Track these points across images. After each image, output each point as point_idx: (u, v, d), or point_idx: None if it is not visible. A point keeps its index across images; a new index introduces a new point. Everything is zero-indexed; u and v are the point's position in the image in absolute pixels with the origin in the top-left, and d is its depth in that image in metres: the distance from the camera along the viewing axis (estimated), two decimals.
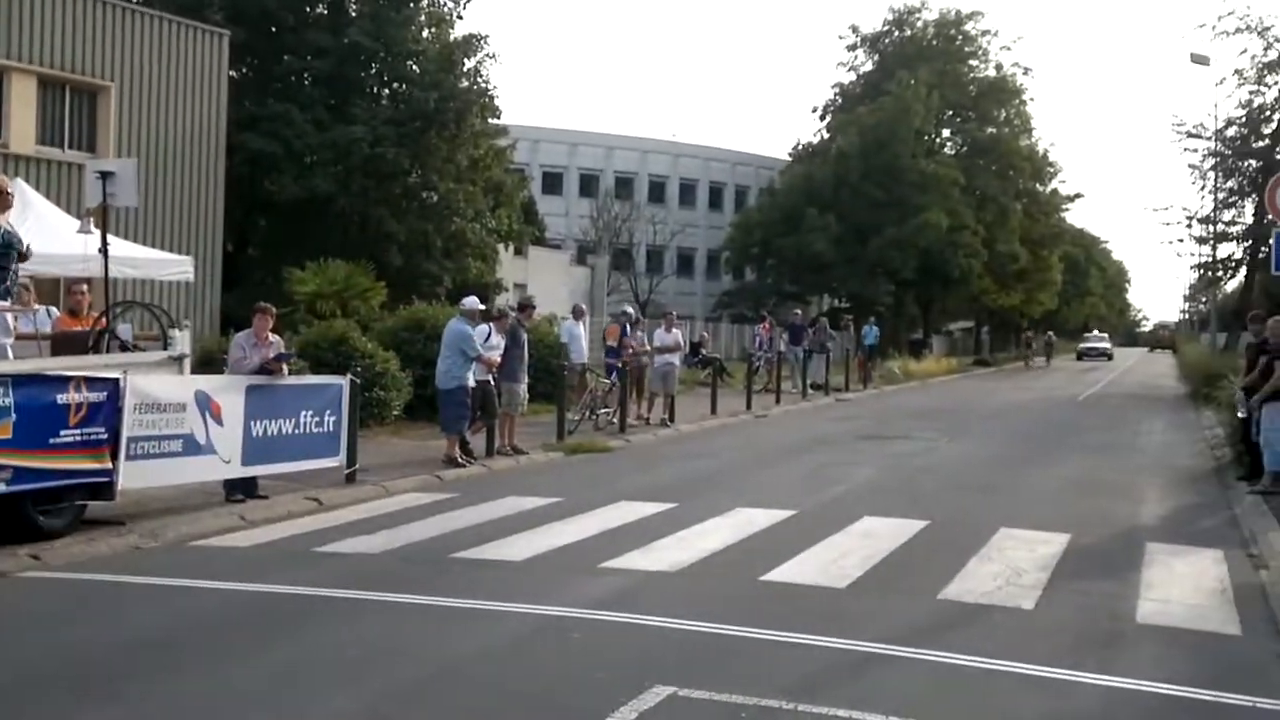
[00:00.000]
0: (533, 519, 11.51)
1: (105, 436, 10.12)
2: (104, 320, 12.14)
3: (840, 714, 5.81)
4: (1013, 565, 9.54)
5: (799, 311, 37.13)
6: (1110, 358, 71.45)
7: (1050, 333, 74.18)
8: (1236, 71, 44.62)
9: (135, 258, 15.65)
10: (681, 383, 24.06)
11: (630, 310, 23.21)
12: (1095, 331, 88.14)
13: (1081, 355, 72.94)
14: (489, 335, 15.86)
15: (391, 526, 11.01)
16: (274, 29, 31.09)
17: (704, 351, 34.56)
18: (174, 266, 17.01)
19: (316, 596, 8.26)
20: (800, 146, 64.48)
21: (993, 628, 7.67)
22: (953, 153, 63.63)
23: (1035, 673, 6.63)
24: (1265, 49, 42.86)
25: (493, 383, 16.02)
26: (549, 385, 19.86)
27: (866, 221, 53.50)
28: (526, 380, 17.11)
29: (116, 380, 10.29)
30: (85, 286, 13.38)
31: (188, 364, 12.21)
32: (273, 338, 12.58)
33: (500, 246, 36.30)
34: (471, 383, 15.28)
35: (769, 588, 8.72)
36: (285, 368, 12.62)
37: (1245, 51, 56.88)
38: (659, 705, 5.89)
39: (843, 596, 8.49)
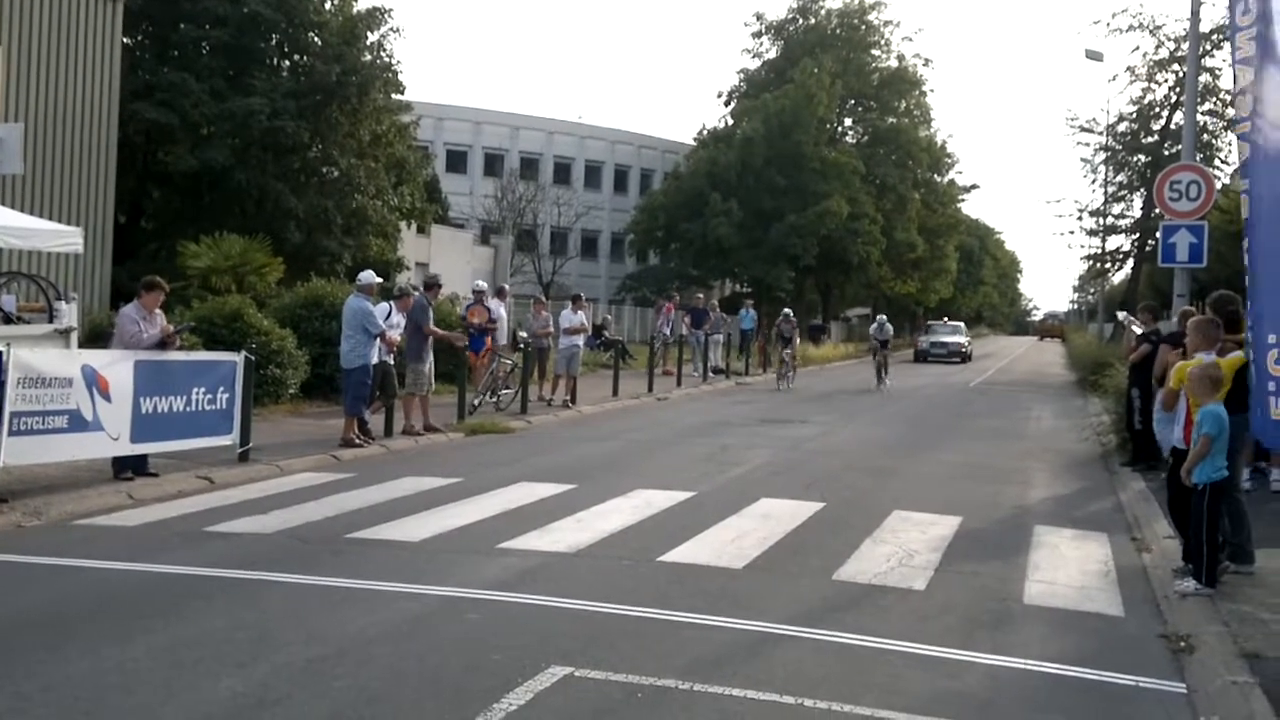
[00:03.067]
0: (431, 499, 11.42)
1: None
2: None
3: (735, 693, 5.87)
4: (905, 547, 9.71)
5: (701, 295, 37.26)
6: (966, 358, 50.46)
7: (881, 316, 37.46)
8: (1129, 68, 46.19)
9: (20, 227, 15.10)
10: (584, 365, 24.05)
11: (481, 284, 22.44)
12: (945, 320, 61.78)
13: (923, 355, 50.19)
14: (390, 313, 15.66)
15: (285, 506, 10.85)
16: None
17: (606, 334, 34.59)
18: (62, 237, 16.43)
19: (207, 576, 8.10)
20: (705, 131, 64.74)
21: (885, 608, 7.80)
22: (854, 142, 64.55)
23: (926, 652, 6.75)
24: (1156, 47, 44.31)
25: (392, 362, 15.85)
26: (450, 365, 19.70)
27: (769, 207, 53.98)
28: (431, 360, 16.92)
29: None
30: None
31: (75, 338, 11.91)
32: (158, 311, 12.23)
33: (402, 224, 35.86)
34: (375, 360, 15.08)
35: (667, 568, 8.76)
36: (178, 341, 12.33)
37: (1138, 49, 58.85)
38: (555, 685, 5.89)
39: (739, 577, 8.56)
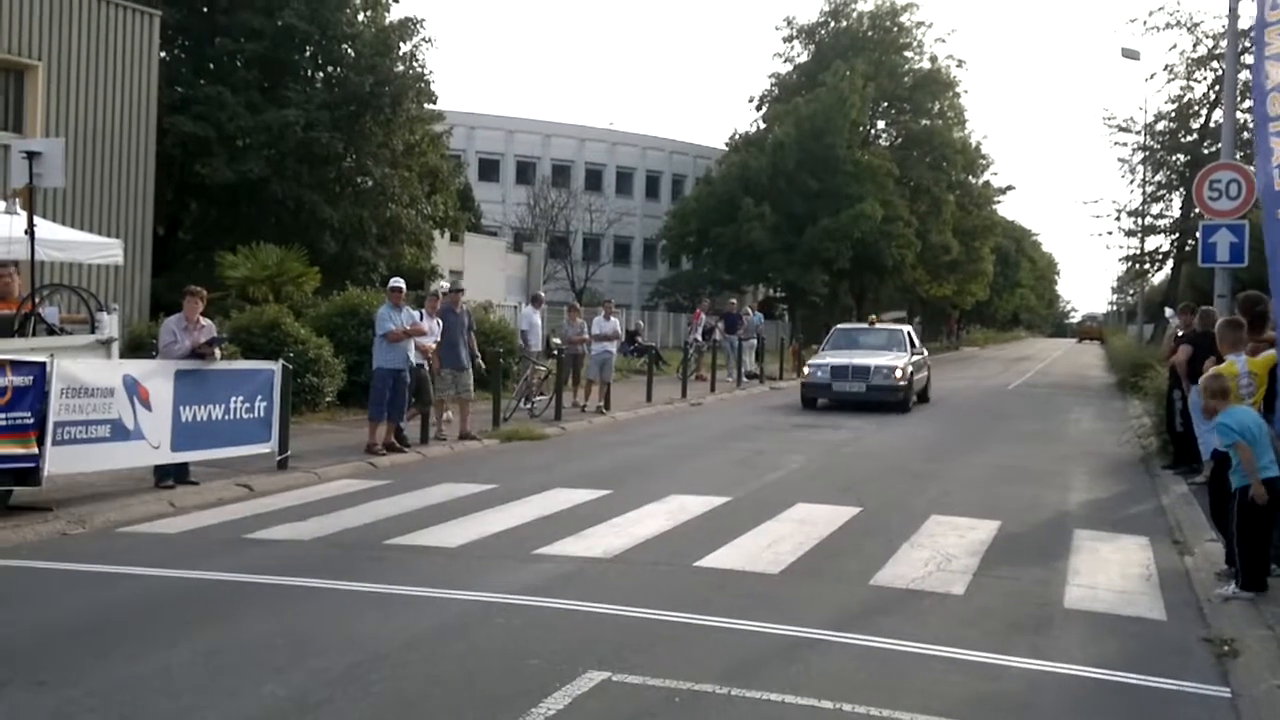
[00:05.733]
0: (467, 506, 11.47)
1: (31, 421, 9.95)
2: (30, 303, 11.92)
3: (773, 698, 5.86)
4: (943, 551, 9.66)
5: (734, 300, 37.24)
6: (906, 399, 24.18)
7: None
8: (1166, 67, 45.52)
9: (62, 240, 15.31)
10: (617, 371, 24.10)
11: (444, 285, 20.48)
12: (872, 320, 36.39)
13: (817, 393, 24.48)
14: (421, 318, 15.69)
15: (324, 513, 10.92)
16: (206, 9, 30.55)
17: (640, 340, 34.64)
18: (102, 249, 16.67)
19: (247, 583, 8.17)
20: (737, 136, 64.73)
21: (923, 613, 7.76)
22: (887, 144, 64.26)
23: (966, 657, 6.72)
24: (1194, 45, 43.72)
25: (428, 368, 15.89)
26: (484, 373, 19.75)
27: (802, 211, 53.83)
28: (468, 364, 17.00)
29: (43, 364, 10.11)
30: (13, 268, 13.10)
31: (116, 348, 12.04)
32: (204, 321, 12.40)
33: (436, 233, 36.03)
34: (400, 365, 15.05)
35: (703, 574, 8.75)
36: (217, 352, 12.44)
37: (1175, 47, 58.14)
38: (592, 690, 5.90)
39: (776, 582, 8.54)
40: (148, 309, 23.62)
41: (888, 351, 25.08)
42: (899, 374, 23.78)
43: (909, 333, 26.81)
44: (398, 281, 15.66)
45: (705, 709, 5.73)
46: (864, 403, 23.48)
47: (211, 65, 30.67)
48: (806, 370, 25.31)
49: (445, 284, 17.37)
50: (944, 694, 6.07)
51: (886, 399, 23.57)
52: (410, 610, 7.50)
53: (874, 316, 34.68)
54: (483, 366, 17.91)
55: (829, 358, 24.83)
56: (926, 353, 28.56)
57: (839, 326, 30.14)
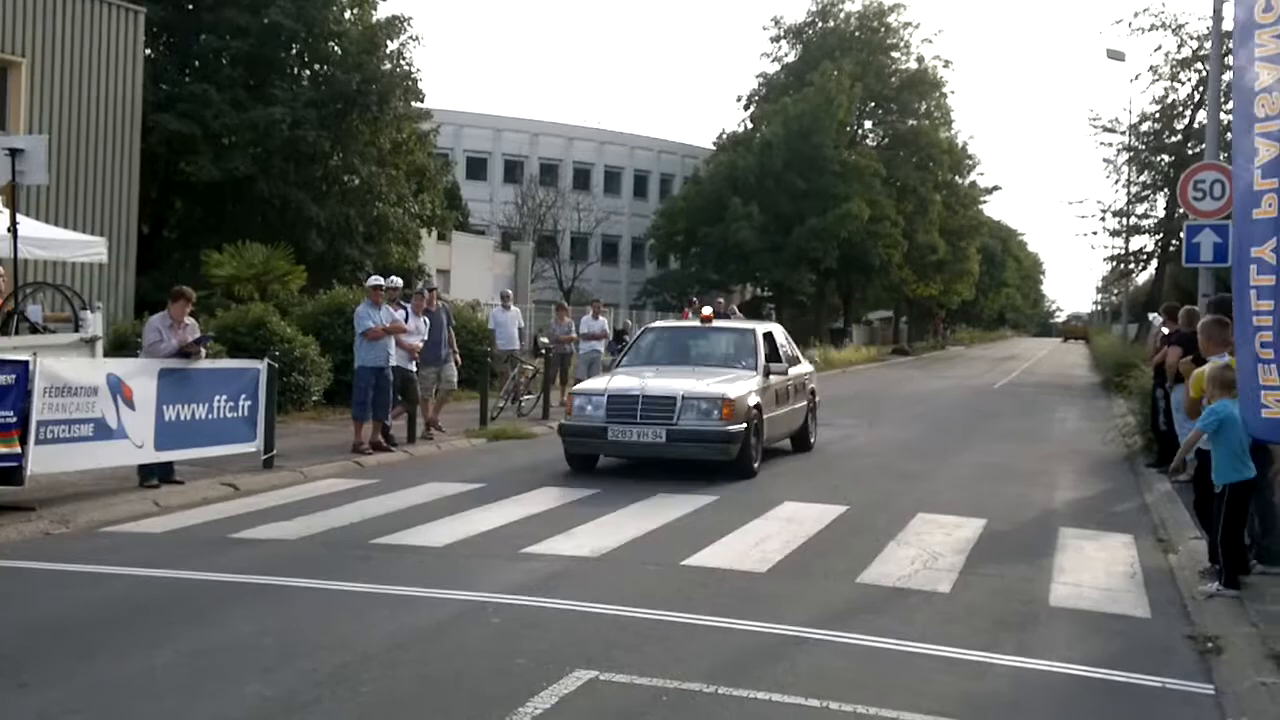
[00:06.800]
0: (454, 505, 11.45)
1: (14, 420, 9.88)
2: (13, 301, 11.88)
3: (760, 696, 5.86)
4: (930, 549, 9.68)
5: (721, 300, 37.21)
6: (753, 457, 13.86)
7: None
8: (1151, 68, 45.68)
9: (46, 238, 15.24)
10: (605, 369, 24.06)
11: (387, 280, 16.11)
12: (713, 311, 18.83)
13: (581, 445, 14.09)
14: (407, 317, 15.63)
15: (310, 512, 10.89)
16: (191, 6, 30.44)
17: (627, 339, 34.59)
18: (86, 247, 16.61)
19: (232, 583, 8.14)
20: (725, 135, 64.71)
21: (910, 610, 7.77)
22: (874, 144, 64.33)
23: (952, 654, 6.72)
24: (1179, 46, 43.87)
25: (415, 368, 15.83)
26: (471, 371, 19.75)
27: (789, 211, 53.87)
28: (448, 358, 17.07)
29: (26, 362, 10.05)
30: None
31: (100, 347, 12.01)
32: (188, 320, 12.34)
33: (423, 232, 35.95)
34: (386, 364, 15.01)
35: (690, 572, 8.75)
36: (202, 350, 12.38)
37: (1160, 48, 58.37)
38: (580, 689, 5.89)
39: (763, 580, 8.54)
40: (132, 307, 23.54)
41: (721, 371, 15.02)
42: (726, 411, 13.51)
43: (767, 335, 16.20)
44: (376, 279, 15.67)
45: (693, 708, 5.73)
46: (668, 461, 13.92)
47: (197, 62, 30.58)
48: (574, 404, 14.45)
49: (419, 283, 17.26)
50: (930, 692, 6.08)
51: (704, 455, 13.66)
52: (398, 610, 7.48)
53: (707, 311, 18.68)
54: (459, 362, 17.86)
55: (615, 380, 14.60)
56: (810, 368, 19.06)
57: (651, 325, 18.85)
